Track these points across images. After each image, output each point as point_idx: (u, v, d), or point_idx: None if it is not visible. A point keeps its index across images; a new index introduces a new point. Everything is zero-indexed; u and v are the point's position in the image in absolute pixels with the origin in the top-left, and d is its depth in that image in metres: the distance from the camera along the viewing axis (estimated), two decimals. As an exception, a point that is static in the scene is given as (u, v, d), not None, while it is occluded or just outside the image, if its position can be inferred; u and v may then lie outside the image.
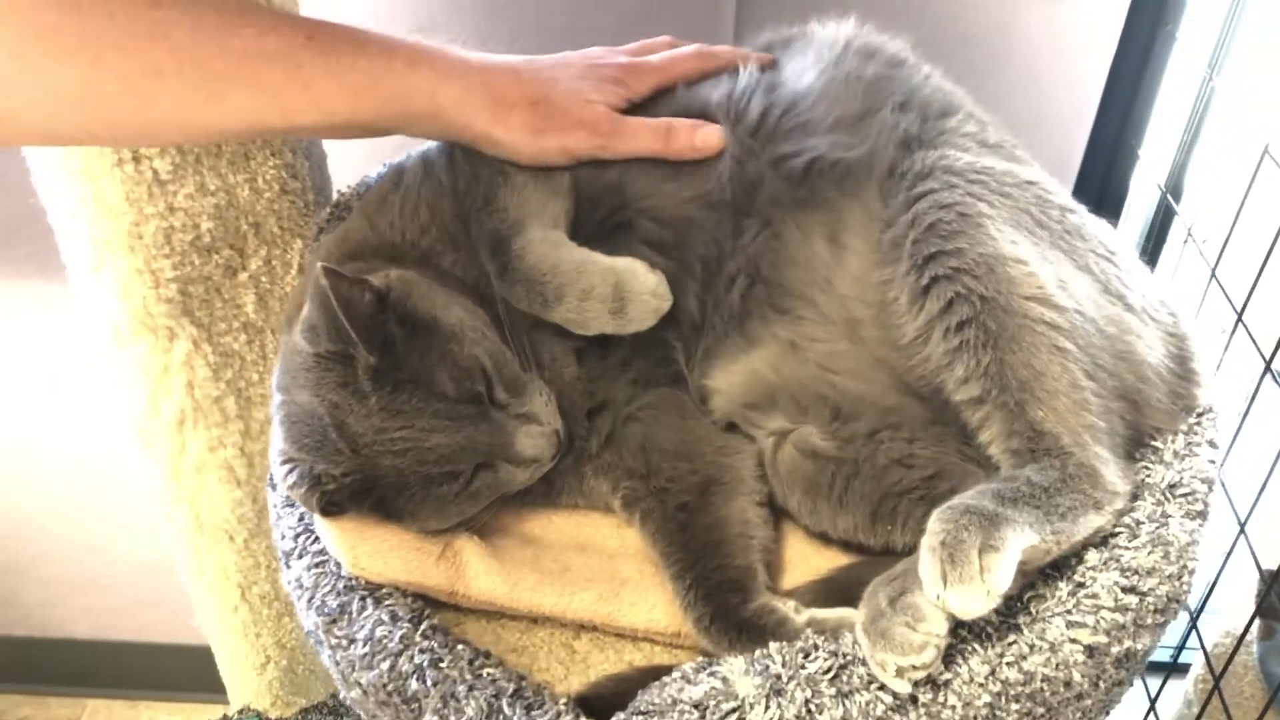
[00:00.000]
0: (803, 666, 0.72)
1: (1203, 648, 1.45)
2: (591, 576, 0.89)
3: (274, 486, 0.96)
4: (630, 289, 0.87)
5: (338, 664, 0.85)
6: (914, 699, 0.71)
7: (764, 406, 0.94)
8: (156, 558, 1.94)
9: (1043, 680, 0.74)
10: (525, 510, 0.96)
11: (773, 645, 0.74)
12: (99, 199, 1.05)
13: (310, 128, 0.87)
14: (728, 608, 0.83)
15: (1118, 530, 0.81)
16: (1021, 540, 0.72)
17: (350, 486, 0.84)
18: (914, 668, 0.69)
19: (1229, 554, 1.37)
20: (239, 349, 1.20)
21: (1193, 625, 1.47)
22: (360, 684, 0.83)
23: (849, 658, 0.73)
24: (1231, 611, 1.49)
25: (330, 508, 0.84)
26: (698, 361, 0.95)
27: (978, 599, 0.68)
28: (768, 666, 0.73)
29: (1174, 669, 1.59)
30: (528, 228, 0.88)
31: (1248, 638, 1.40)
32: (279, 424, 0.88)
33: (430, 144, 1.00)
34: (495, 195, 0.91)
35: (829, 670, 0.72)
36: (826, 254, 0.91)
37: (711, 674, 0.74)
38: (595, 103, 0.92)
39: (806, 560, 0.93)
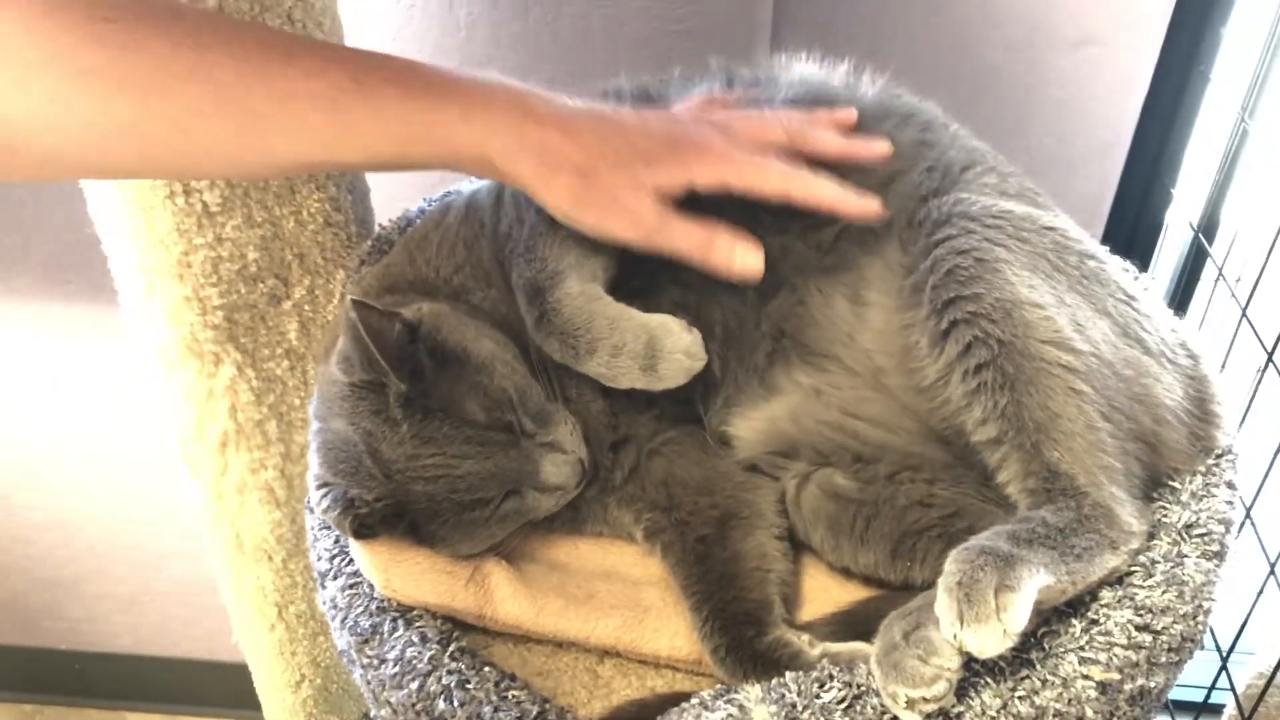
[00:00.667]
0: (818, 696, 0.74)
1: (1233, 689, 1.44)
2: (616, 604, 0.91)
3: (311, 509, 0.99)
4: (663, 347, 0.89)
5: (369, 683, 0.88)
6: (927, 730, 0.73)
7: (786, 454, 0.96)
8: (197, 577, 1.99)
9: (1054, 715, 0.75)
10: (553, 536, 0.99)
11: (789, 675, 0.76)
12: (150, 230, 1.10)
13: (356, 166, 0.89)
14: (743, 640, 0.85)
15: (1133, 569, 0.82)
16: (1037, 580, 0.73)
17: (382, 511, 0.87)
18: (925, 700, 0.71)
19: (1259, 594, 1.37)
20: (281, 374, 1.24)
21: (1223, 666, 1.46)
22: (390, 703, 0.85)
23: (863, 689, 0.74)
24: (1263, 652, 1.48)
25: (363, 530, 0.87)
26: (717, 410, 0.97)
27: (994, 638, 0.70)
28: (784, 695, 0.75)
29: (1204, 709, 1.58)
30: (566, 280, 0.90)
31: (1278, 678, 1.39)
32: (315, 450, 0.91)
33: (480, 183, 1.04)
34: (536, 244, 0.92)
35: (843, 700, 0.74)
36: (849, 312, 0.93)
37: (729, 701, 0.75)
38: (647, 189, 0.85)
39: (828, 592, 0.94)
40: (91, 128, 0.77)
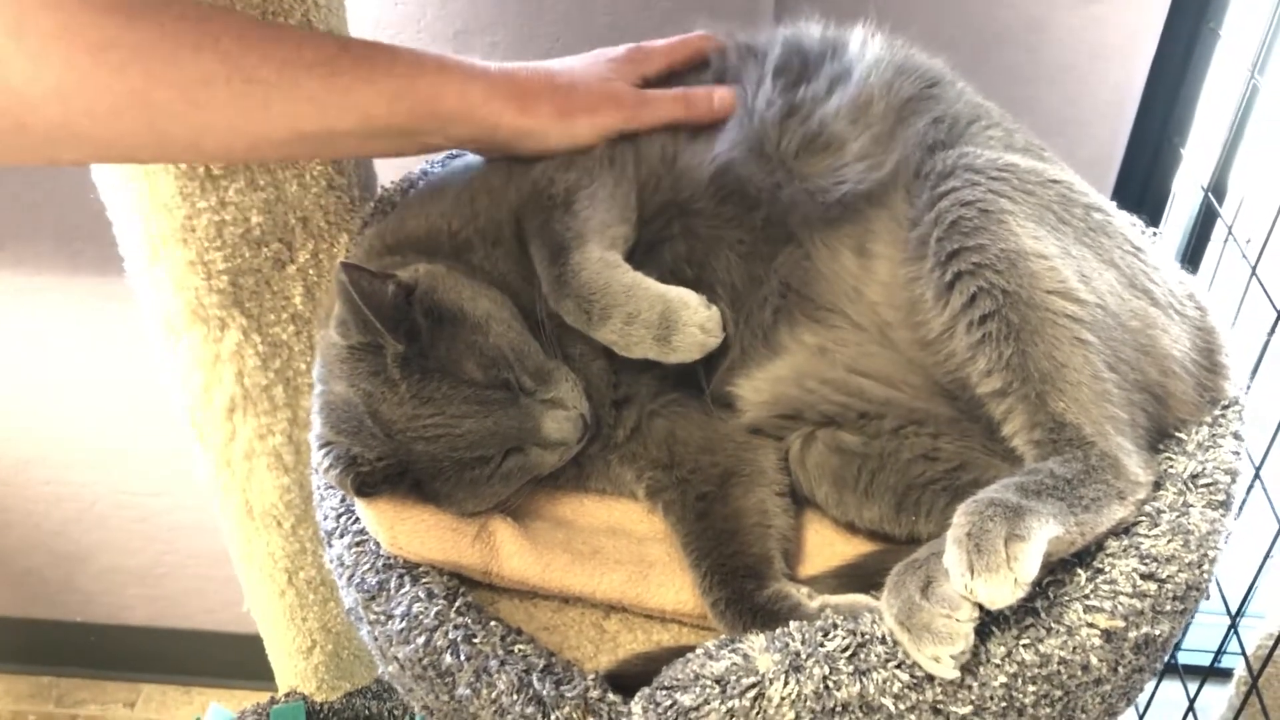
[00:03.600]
0: (821, 644, 0.74)
1: (1243, 650, 1.44)
2: (621, 559, 0.92)
3: (318, 471, 0.99)
4: (679, 318, 0.89)
5: (376, 639, 0.89)
6: (930, 678, 0.73)
7: (790, 416, 0.96)
8: (209, 549, 2.00)
9: (1059, 663, 0.75)
10: (558, 493, 0.99)
11: (793, 624, 0.76)
12: (155, 195, 1.10)
13: (347, 134, 0.90)
14: (743, 593, 0.85)
15: (1138, 519, 0.81)
16: (1047, 531, 0.73)
17: (385, 470, 0.88)
18: (954, 656, 0.71)
19: (1268, 555, 1.36)
20: (287, 339, 1.24)
21: (1232, 627, 1.46)
22: (398, 658, 0.86)
23: (867, 636, 0.74)
24: (1273, 614, 1.48)
25: (365, 488, 0.87)
26: (721, 373, 0.97)
27: (1005, 588, 0.70)
28: (787, 644, 0.75)
29: (1213, 673, 1.58)
30: (588, 243, 0.91)
31: (1287, 640, 1.39)
32: (317, 411, 0.92)
33: None
34: (575, 199, 0.93)
35: (847, 648, 0.74)
36: (855, 265, 0.93)
37: (733, 650, 0.75)
38: (614, 80, 0.97)
39: (832, 547, 0.94)
40: (103, 97, 0.79)
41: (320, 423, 0.91)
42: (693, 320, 0.89)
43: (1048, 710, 0.77)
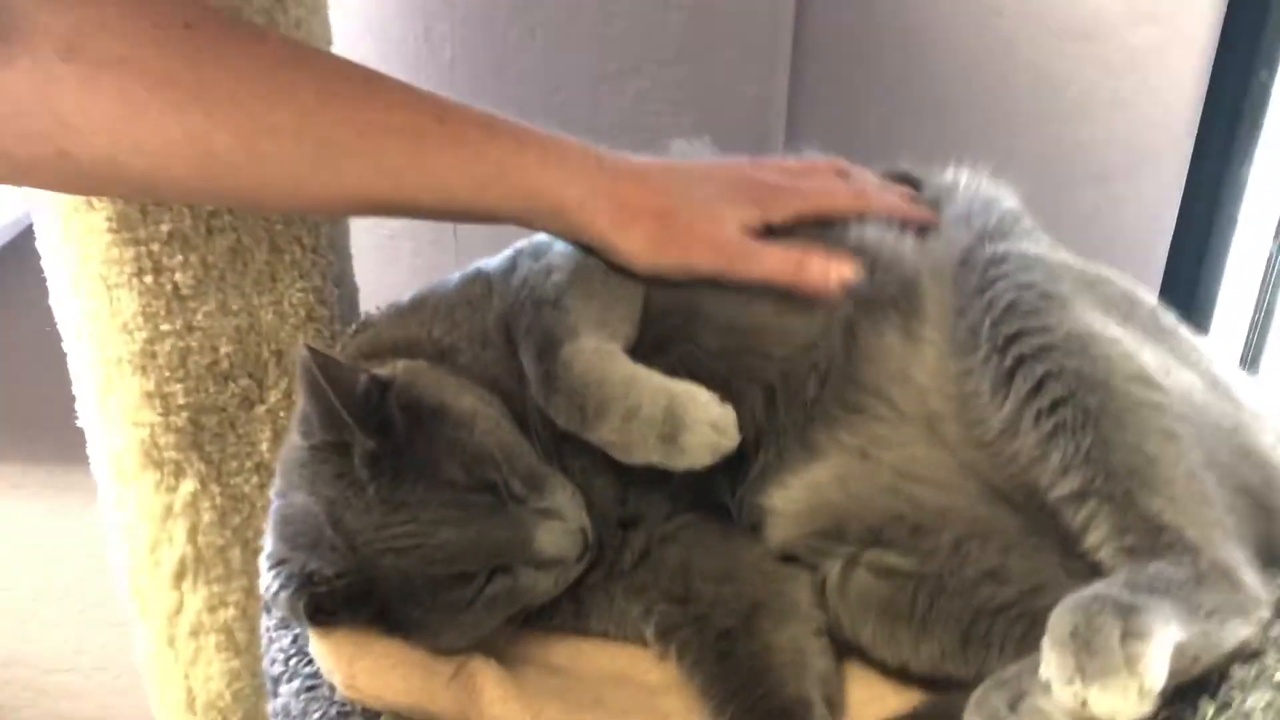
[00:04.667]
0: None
1: None
2: (628, 709, 0.75)
3: (268, 610, 0.84)
4: (687, 414, 0.76)
5: (323, 810, 0.71)
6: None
7: (831, 533, 0.81)
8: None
9: (1194, 819, 0.59)
10: (551, 637, 0.83)
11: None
12: (114, 313, 1.00)
13: (427, 208, 0.83)
14: None
15: (1263, 647, 0.67)
16: (1170, 633, 0.59)
17: (345, 590, 0.73)
18: None
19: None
20: (249, 492, 1.10)
21: None
22: (348, 831, 0.68)
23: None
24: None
25: (321, 614, 0.73)
26: (751, 482, 0.84)
27: (1128, 696, 0.55)
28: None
29: None
30: (582, 335, 0.80)
31: None
32: (271, 529, 0.78)
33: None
34: (563, 297, 0.82)
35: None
36: (900, 345, 0.82)
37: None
38: (727, 220, 0.84)
39: (883, 701, 0.78)
40: (156, 135, 0.73)
41: (273, 540, 0.77)
42: (703, 417, 0.76)
43: None
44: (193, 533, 1.10)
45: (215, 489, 1.09)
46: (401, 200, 0.81)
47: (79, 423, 1.14)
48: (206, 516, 1.10)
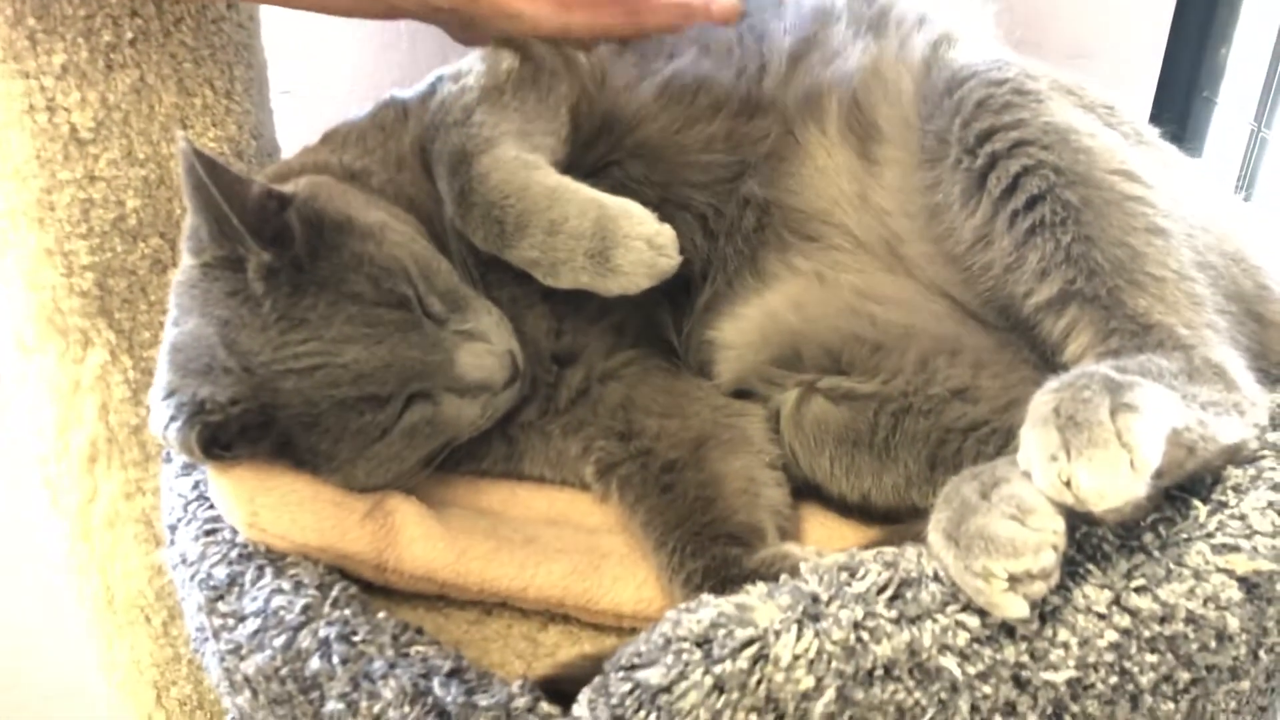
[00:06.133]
0: (848, 584, 0.51)
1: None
2: (564, 547, 0.68)
3: (168, 458, 0.76)
4: (619, 230, 0.68)
5: (223, 661, 0.64)
6: (1010, 630, 0.50)
7: (787, 360, 0.74)
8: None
9: (1186, 621, 0.52)
10: (482, 482, 0.76)
11: (804, 565, 0.53)
12: (5, 156, 0.91)
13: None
14: (727, 559, 0.63)
15: (1263, 453, 0.61)
16: (1164, 410, 0.52)
17: (242, 418, 0.65)
18: (1030, 575, 0.48)
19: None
20: (166, 365, 1.02)
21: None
22: (248, 676, 0.61)
23: (913, 574, 0.52)
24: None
25: (215, 447, 0.65)
26: (698, 315, 0.77)
27: (1120, 472, 0.48)
28: (799, 588, 0.52)
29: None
30: (500, 144, 0.72)
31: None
32: (161, 358, 0.70)
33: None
34: (474, 110, 0.75)
35: (885, 587, 0.51)
36: (858, 168, 0.75)
37: (720, 602, 0.52)
38: None
39: (843, 540, 0.71)
40: None
41: (164, 369, 0.69)
42: (638, 232, 0.68)
43: (1169, 706, 0.54)
44: (103, 410, 1.01)
45: (127, 361, 1.00)
46: None
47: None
48: (118, 392, 1.01)
